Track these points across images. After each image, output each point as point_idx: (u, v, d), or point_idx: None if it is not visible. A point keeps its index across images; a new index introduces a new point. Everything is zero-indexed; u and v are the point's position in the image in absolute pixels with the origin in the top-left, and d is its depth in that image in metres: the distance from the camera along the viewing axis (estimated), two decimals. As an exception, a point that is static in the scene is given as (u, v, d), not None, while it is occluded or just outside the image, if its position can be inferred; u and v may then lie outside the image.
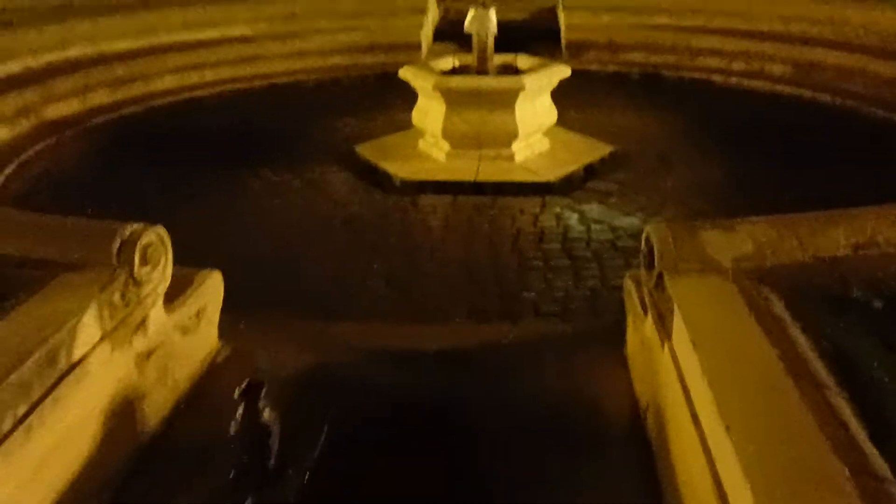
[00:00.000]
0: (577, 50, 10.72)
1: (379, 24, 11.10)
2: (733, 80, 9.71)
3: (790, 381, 2.11)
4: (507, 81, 6.86)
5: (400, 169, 6.85)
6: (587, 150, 7.32)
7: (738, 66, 9.86)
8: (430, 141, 7.30)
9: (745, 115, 8.71)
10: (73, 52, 9.25)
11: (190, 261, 3.61)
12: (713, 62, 10.04)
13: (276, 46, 10.53)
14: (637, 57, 10.57)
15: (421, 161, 7.12)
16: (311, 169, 7.26)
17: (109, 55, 9.46)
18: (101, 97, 8.93)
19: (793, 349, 2.30)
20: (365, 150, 7.42)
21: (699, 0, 10.55)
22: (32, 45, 9.08)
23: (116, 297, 2.90)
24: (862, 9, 9.20)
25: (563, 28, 11.15)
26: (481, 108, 6.87)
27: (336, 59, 10.77)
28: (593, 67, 10.41)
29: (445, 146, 7.07)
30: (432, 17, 11.90)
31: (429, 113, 7.14)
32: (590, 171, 6.97)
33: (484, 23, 7.01)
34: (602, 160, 7.19)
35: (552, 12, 12.34)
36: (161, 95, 9.43)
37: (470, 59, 7.40)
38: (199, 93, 9.66)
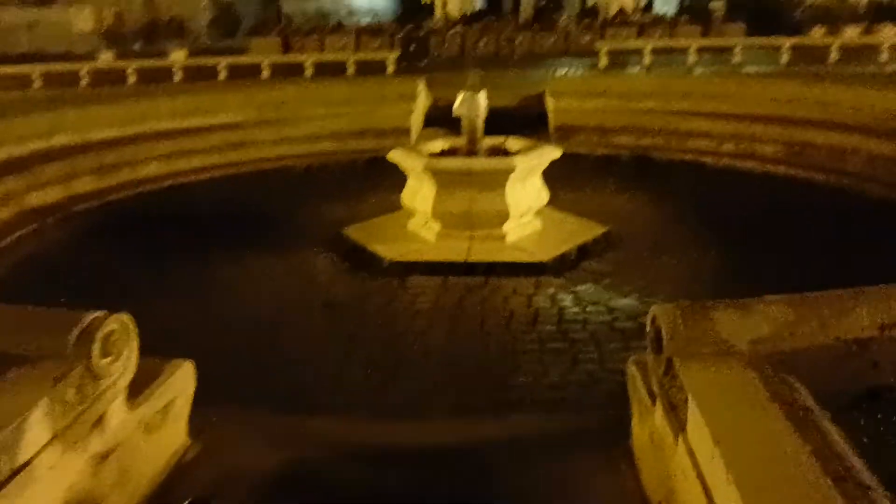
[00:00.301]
0: (566, 133, 10.74)
1: (369, 110, 11.15)
2: (724, 161, 9.70)
3: (829, 483, 1.84)
4: (497, 162, 6.76)
5: (388, 250, 6.66)
6: (580, 231, 7.17)
7: (728, 147, 9.87)
8: (420, 222, 7.14)
9: (739, 196, 8.63)
10: (60, 140, 9.20)
11: (164, 349, 3.35)
12: (703, 144, 10.05)
13: (265, 132, 10.52)
14: (626, 140, 10.60)
15: (410, 242, 6.93)
16: (295, 253, 7.06)
17: (96, 143, 9.41)
18: (85, 184, 8.82)
19: (826, 444, 2.03)
20: (353, 232, 7.25)
21: (686, 84, 10.67)
22: (19, 133, 9.02)
23: (71, 392, 2.61)
24: (852, 89, 9.28)
25: (551, 112, 11.22)
26: (472, 188, 6.74)
27: (326, 145, 10.77)
28: (583, 150, 10.40)
29: (436, 227, 6.90)
30: (422, 103, 11.98)
31: (419, 194, 7.00)
32: (583, 252, 6.79)
33: (473, 105, 6.97)
34: (595, 241, 7.02)
35: (540, 98, 12.49)
36: (147, 182, 9.33)
37: (460, 141, 7.34)
38: (185, 179, 9.57)
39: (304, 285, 6.33)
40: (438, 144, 7.45)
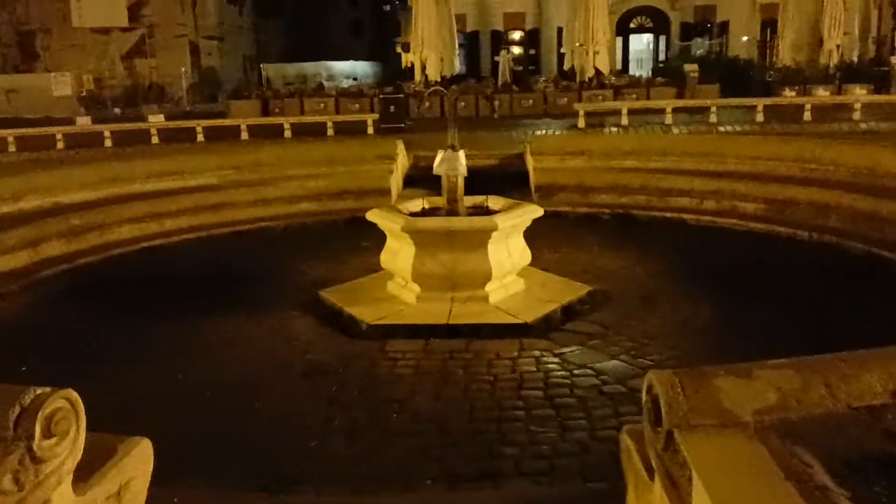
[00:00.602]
0: (547, 192, 10.68)
1: (348, 170, 11.06)
2: (706, 218, 9.64)
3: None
4: (478, 222, 6.61)
5: (367, 313, 6.43)
6: (564, 290, 7.00)
7: (709, 205, 9.83)
8: (399, 283, 6.94)
9: (723, 253, 8.57)
10: (28, 204, 8.98)
11: (127, 420, 3.10)
12: (684, 202, 10.01)
13: (242, 194, 10.36)
14: (607, 198, 10.55)
15: (390, 304, 6.72)
16: (271, 316, 6.81)
17: (66, 205, 9.18)
18: (54, 248, 8.56)
19: (849, 529, 1.81)
20: (330, 295, 7.02)
21: (666, 142, 10.70)
22: (-15, 197, 8.79)
23: (7, 480, 2.34)
24: (830, 146, 9.32)
25: (532, 172, 11.18)
26: (453, 249, 6.57)
27: (304, 206, 10.62)
28: (564, 209, 10.33)
29: (416, 289, 6.70)
30: (402, 163, 11.92)
31: (398, 255, 6.82)
32: (568, 312, 6.61)
33: (453, 164, 6.85)
34: (580, 300, 6.85)
35: (521, 157, 12.50)
36: (119, 245, 9.09)
37: (440, 201, 7.19)
38: (159, 241, 9.35)
39: (280, 350, 6.06)
40: (418, 204, 7.31)
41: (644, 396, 2.52)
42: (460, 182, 6.95)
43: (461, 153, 6.91)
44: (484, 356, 5.72)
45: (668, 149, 10.57)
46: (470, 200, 7.29)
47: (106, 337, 6.41)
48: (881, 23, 33.88)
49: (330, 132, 16.19)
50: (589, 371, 5.44)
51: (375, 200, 9.70)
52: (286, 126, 16.55)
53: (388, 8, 50.56)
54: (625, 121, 16.72)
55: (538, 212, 6.97)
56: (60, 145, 15.85)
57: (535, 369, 5.51)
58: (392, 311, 6.56)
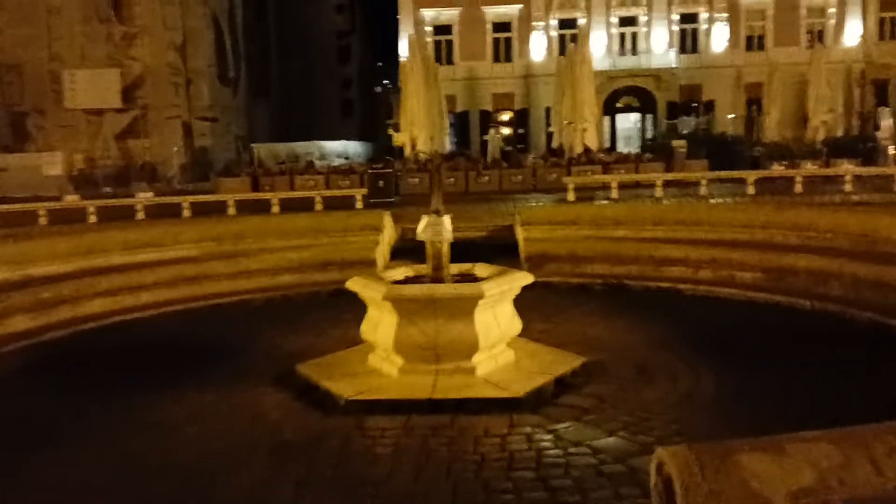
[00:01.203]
0: (537, 262, 10.35)
1: (333, 241, 10.75)
2: (702, 288, 9.31)
3: None
4: (464, 289, 6.24)
5: (345, 387, 5.97)
6: (557, 362, 6.57)
7: (705, 274, 9.52)
8: (381, 356, 6.50)
9: (722, 323, 8.19)
10: (-6, 276, 8.56)
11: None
12: (678, 271, 9.70)
13: (223, 266, 10.00)
14: (600, 268, 10.23)
15: (370, 378, 6.26)
16: (243, 391, 6.34)
17: (36, 278, 8.77)
18: (19, 322, 8.11)
19: None
20: (307, 369, 6.57)
21: (658, 211, 10.46)
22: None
23: None
24: (826, 213, 9.09)
25: (521, 241, 10.89)
26: (437, 318, 6.17)
27: (287, 278, 10.25)
28: (555, 279, 9.99)
29: (398, 361, 6.27)
30: (389, 235, 11.63)
31: (379, 325, 6.41)
32: (561, 385, 6.16)
33: (438, 229, 6.53)
34: (574, 372, 6.41)
35: (510, 229, 12.24)
36: (90, 319, 8.65)
37: (424, 269, 6.84)
38: (133, 315, 8.91)
39: (249, 426, 5.57)
40: (401, 272, 6.96)
41: (653, 478, 2.10)
42: (445, 248, 6.62)
43: (446, 218, 6.60)
44: (470, 433, 5.24)
45: (661, 218, 10.32)
46: (456, 268, 6.94)
47: (62, 415, 5.95)
48: (864, 101, 34.60)
49: (318, 207, 15.96)
50: (585, 449, 4.97)
51: (360, 272, 9.33)
52: (274, 202, 16.33)
53: (378, 90, 51.60)
54: (615, 194, 16.61)
55: (527, 278, 6.62)
56: (44, 221, 15.57)
57: (526, 447, 5.03)
58: (372, 385, 6.11)
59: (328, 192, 17.52)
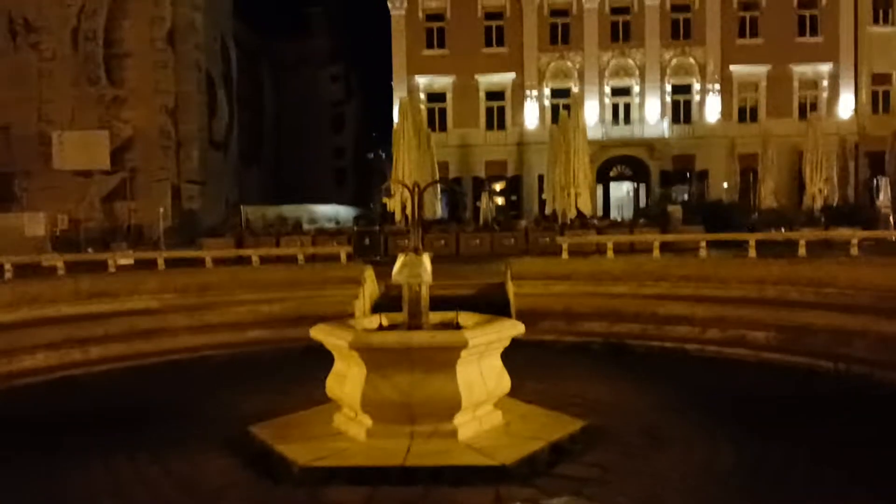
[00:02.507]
0: (530, 319, 9.28)
1: (308, 295, 9.90)
2: (711, 348, 8.47)
3: None
4: (445, 337, 5.39)
5: (301, 452, 5.04)
6: (552, 425, 5.67)
7: (713, 333, 8.69)
8: (347, 415, 5.60)
9: (736, 386, 7.32)
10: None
11: None
12: (684, 330, 8.88)
13: (183, 319, 9.13)
14: (597, 326, 9.40)
15: (333, 441, 5.34)
16: (185, 457, 5.41)
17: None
18: (-56, 375, 7.17)
19: None
20: (262, 431, 5.65)
21: (660, 266, 9.70)
22: None
23: None
24: (846, 267, 8.32)
25: (512, 297, 10.07)
26: (413, 370, 5.30)
27: (255, 333, 9.37)
28: (549, 338, 9.15)
29: (367, 421, 5.37)
30: (370, 290, 10.79)
31: (346, 379, 5.53)
32: (558, 452, 5.26)
33: (416, 270, 5.72)
34: (572, 437, 5.51)
35: (501, 288, 11.45)
36: (28, 374, 7.73)
37: (401, 317, 5.99)
38: (79, 371, 8.02)
39: (180, 498, 4.63)
40: (375, 320, 6.11)
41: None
42: (424, 291, 5.79)
43: (426, 257, 5.80)
44: (447, 509, 4.33)
45: (663, 273, 9.54)
46: (437, 316, 6.11)
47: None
48: (858, 172, 34.44)
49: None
50: (587, 530, 4.06)
51: (335, 326, 8.51)
52: (255, 259, 15.52)
53: (371, 156, 51.54)
54: (610, 255, 15.86)
55: (517, 327, 5.78)
56: (9, 275, 14.69)
57: (514, 527, 4.12)
58: (334, 449, 5.18)
59: (312, 250, 16.71)
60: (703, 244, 16.01)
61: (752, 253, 15.40)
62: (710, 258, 11.31)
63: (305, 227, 28.40)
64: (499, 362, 5.79)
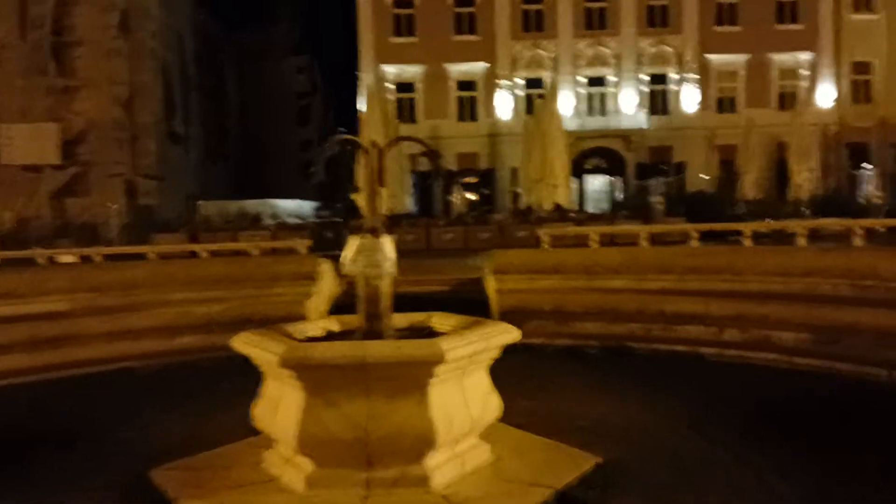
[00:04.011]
0: (514, 319, 7.91)
1: (252, 293, 8.41)
2: (731, 352, 7.17)
3: None
4: (414, 348, 3.96)
5: (210, 515, 3.60)
6: (556, 462, 4.30)
7: (732, 334, 7.39)
8: (282, 455, 4.15)
9: (769, 400, 6.00)
10: None
11: None
12: (697, 331, 7.56)
13: (102, 323, 7.58)
14: (593, 327, 8.06)
15: (260, 494, 3.90)
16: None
17: None
18: None
19: None
20: (167, 477, 4.18)
21: (665, 256, 8.38)
22: None
23: None
24: (889, 256, 7.03)
25: (493, 295, 8.67)
26: (371, 396, 3.88)
27: (189, 339, 7.89)
28: (537, 341, 7.77)
29: (306, 465, 3.93)
30: (328, 287, 9.31)
31: (279, 407, 4.08)
32: (567, 501, 3.87)
33: (373, 257, 4.30)
34: (584, 480, 4.13)
35: (478, 283, 10.05)
36: None
37: (356, 320, 4.55)
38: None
39: None
40: (322, 325, 4.68)
41: None
42: (386, 286, 4.37)
43: (387, 240, 4.38)
44: None
45: (669, 264, 8.21)
46: (405, 319, 4.71)
47: None
48: (839, 163, 33.70)
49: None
50: None
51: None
52: (203, 254, 14.00)
53: (338, 150, 49.85)
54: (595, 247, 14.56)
55: (510, 333, 4.37)
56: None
57: None
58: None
59: (267, 244, 15.20)
60: (695, 235, 14.84)
61: (749, 244, 14.24)
62: (723, 247, 10.03)
63: (268, 222, 26.83)
64: (486, 379, 4.39)
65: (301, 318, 8.07)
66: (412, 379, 3.87)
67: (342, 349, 3.89)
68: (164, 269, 8.31)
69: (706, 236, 15.82)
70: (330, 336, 4.49)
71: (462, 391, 4.11)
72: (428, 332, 4.47)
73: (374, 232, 4.34)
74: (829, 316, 6.86)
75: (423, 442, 3.90)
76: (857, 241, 14.14)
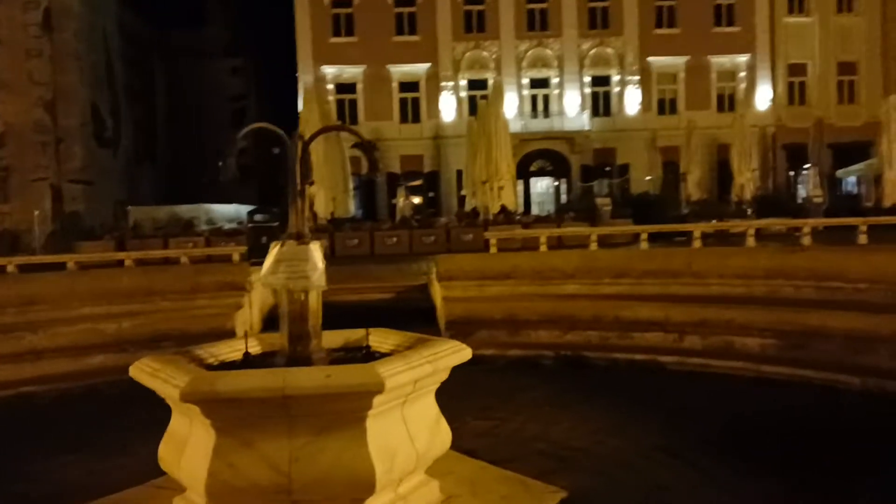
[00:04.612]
0: (462, 329, 7.48)
1: (173, 306, 7.60)
2: (693, 361, 6.68)
3: None
4: (347, 376, 3.29)
5: None
6: (517, 498, 3.67)
7: (692, 341, 6.92)
8: (192, 502, 3.45)
9: (742, 414, 5.54)
10: None
11: None
12: (656, 338, 7.08)
13: (-4, 344, 6.67)
14: (547, 335, 7.51)
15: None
16: None
17: None
18: None
19: None
20: (45, 539, 3.42)
21: (620, 259, 7.91)
22: None
23: None
24: (855, 256, 6.67)
25: (439, 303, 8.06)
26: (294, 434, 3.20)
27: (98, 359, 7.06)
28: (488, 352, 7.18)
29: (217, 521, 3.23)
30: (259, 299, 8.56)
31: (187, 449, 3.37)
32: (532, 554, 3.27)
33: (298, 266, 3.61)
34: (551, 523, 3.53)
35: (423, 290, 9.49)
36: None
37: (280, 340, 3.85)
38: None
39: None
40: (239, 345, 3.96)
41: None
42: (314, 301, 3.69)
43: (315, 247, 3.70)
44: None
45: (624, 267, 7.72)
46: (339, 337, 4.05)
47: None
48: (776, 163, 34.21)
49: (183, 268, 12.71)
50: None
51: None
52: (128, 262, 13.06)
53: (277, 151, 48.60)
54: (544, 251, 14.11)
55: (461, 352, 3.73)
56: None
57: None
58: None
59: (198, 252, 14.31)
60: (644, 237, 14.53)
61: (698, 245, 13.99)
62: (681, 249, 9.65)
63: (203, 228, 25.67)
64: (433, 406, 3.75)
65: (228, 332, 7.34)
66: (345, 413, 3.21)
67: (258, 379, 3.19)
68: (69, 281, 7.44)
69: (655, 238, 15.59)
70: (247, 361, 3.79)
71: (405, 423, 3.46)
72: (365, 354, 3.81)
73: (300, 238, 3.66)
74: (794, 320, 6.44)
75: (359, 486, 3.24)
76: (806, 241, 14.08)
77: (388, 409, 3.34)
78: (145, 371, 3.47)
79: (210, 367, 3.59)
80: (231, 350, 3.93)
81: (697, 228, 14.65)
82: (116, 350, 7.04)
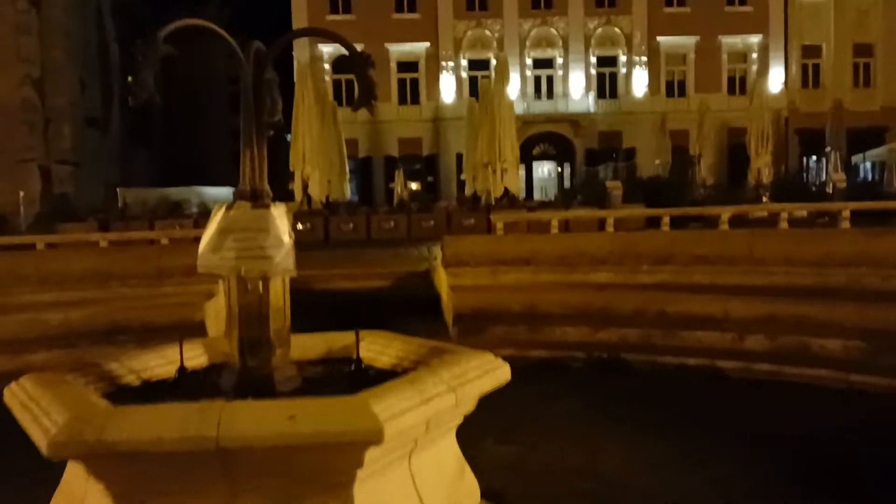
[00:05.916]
0: (472, 325, 6.31)
1: (133, 293, 6.38)
2: (761, 367, 5.50)
3: None
4: (322, 420, 2.06)
5: None
6: None
7: (758, 342, 5.71)
8: None
9: (846, 437, 4.34)
10: None
11: None
12: (712, 338, 5.86)
13: None
14: (575, 332, 6.29)
15: None
16: None
17: None
18: None
19: None
20: None
21: (664, 241, 6.69)
22: None
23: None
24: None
25: (445, 293, 6.85)
26: (238, 500, 1.98)
27: (42, 356, 5.81)
28: (506, 352, 5.78)
29: None
30: (238, 285, 7.30)
31: (76, 520, 2.16)
32: None
33: (252, 241, 2.39)
34: None
35: (425, 277, 8.31)
36: None
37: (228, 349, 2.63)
38: None
39: None
40: (175, 356, 2.74)
41: None
42: (277, 292, 2.46)
43: (278, 211, 2.47)
44: None
45: (668, 252, 6.51)
46: (320, 343, 2.86)
47: None
48: (788, 148, 32.97)
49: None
50: None
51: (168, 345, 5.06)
52: (103, 244, 11.86)
53: (271, 133, 47.30)
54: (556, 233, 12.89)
55: (496, 372, 2.56)
56: None
57: None
58: None
59: (179, 234, 13.07)
60: (667, 220, 13.33)
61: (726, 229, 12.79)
62: (739, 231, 8.46)
63: (194, 210, 24.45)
64: (455, 453, 2.55)
65: (197, 325, 6.15)
66: (320, 475, 2.00)
67: (175, 422, 1.96)
68: (8, 262, 6.21)
69: (673, 223, 14.36)
70: (182, 378, 2.58)
71: (413, 482, 2.26)
72: (355, 371, 2.60)
73: (256, 198, 2.44)
74: (886, 317, 5.24)
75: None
76: (845, 225, 12.85)
77: (388, 464, 2.14)
78: (17, 399, 2.26)
79: (120, 392, 2.39)
80: (163, 362, 2.72)
81: (726, 212, 13.42)
82: (63, 345, 5.85)
